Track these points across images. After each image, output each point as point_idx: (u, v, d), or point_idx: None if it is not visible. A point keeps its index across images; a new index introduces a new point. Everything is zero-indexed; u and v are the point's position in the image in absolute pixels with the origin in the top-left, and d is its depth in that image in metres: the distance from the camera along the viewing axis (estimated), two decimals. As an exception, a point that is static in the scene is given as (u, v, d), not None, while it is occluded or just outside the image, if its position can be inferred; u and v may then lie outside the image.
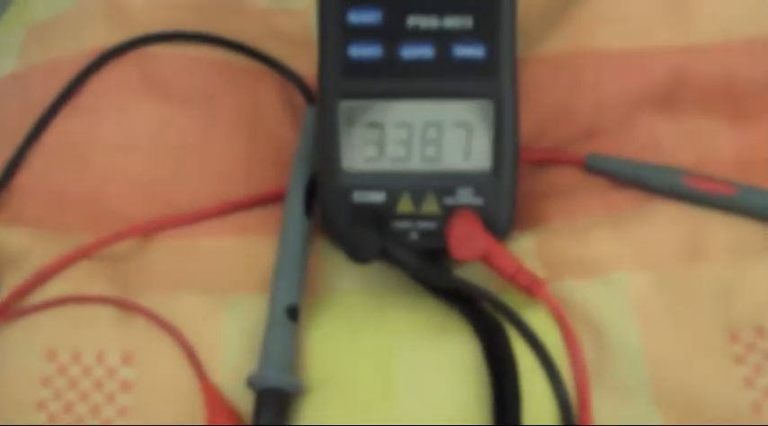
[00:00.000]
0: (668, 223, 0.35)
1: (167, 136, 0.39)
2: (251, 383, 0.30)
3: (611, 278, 0.34)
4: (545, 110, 0.39)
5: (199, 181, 0.39)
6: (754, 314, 0.32)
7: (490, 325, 0.33)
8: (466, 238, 0.33)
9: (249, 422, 0.31)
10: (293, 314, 0.32)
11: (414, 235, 0.34)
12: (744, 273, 0.33)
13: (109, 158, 0.38)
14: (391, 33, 0.32)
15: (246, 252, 0.36)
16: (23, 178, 0.38)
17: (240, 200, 0.37)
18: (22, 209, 0.38)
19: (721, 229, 0.34)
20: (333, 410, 0.31)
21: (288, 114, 0.40)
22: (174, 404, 0.32)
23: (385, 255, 0.32)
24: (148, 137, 0.39)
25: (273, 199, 0.38)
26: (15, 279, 0.36)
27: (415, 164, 0.34)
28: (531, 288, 0.33)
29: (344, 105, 0.33)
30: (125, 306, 0.34)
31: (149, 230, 0.37)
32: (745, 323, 0.32)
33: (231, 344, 0.33)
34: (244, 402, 0.32)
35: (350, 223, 0.34)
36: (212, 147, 0.39)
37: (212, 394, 0.31)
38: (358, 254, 0.33)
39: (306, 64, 0.41)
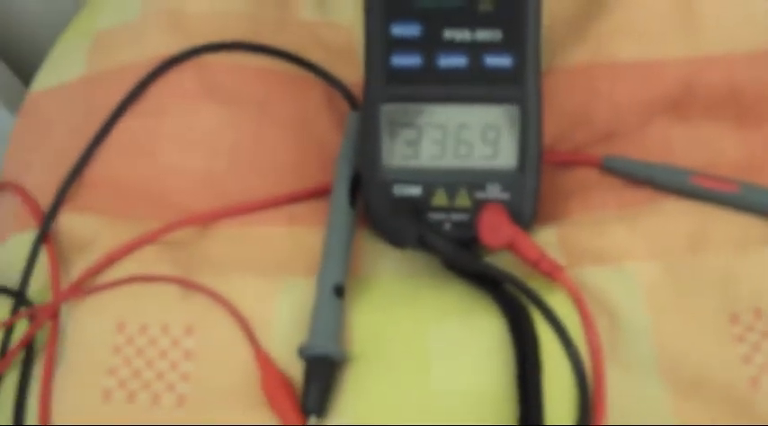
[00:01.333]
0: (677, 218, 0.39)
1: (223, 136, 0.44)
2: (301, 351, 0.35)
3: (624, 266, 0.38)
4: (566, 116, 0.43)
5: (251, 176, 0.43)
6: (753, 298, 0.36)
7: (515, 306, 0.37)
8: (494, 228, 0.37)
9: (300, 389, 0.36)
10: (340, 291, 0.36)
11: (447, 226, 0.39)
12: (744, 262, 0.37)
13: (170, 155, 0.43)
14: (429, 45, 0.37)
15: (295, 240, 0.40)
16: (93, 171, 0.43)
17: (290, 194, 0.42)
18: (92, 200, 0.42)
19: (725, 223, 0.38)
20: (374, 378, 0.35)
21: (332, 118, 0.45)
22: (232, 371, 0.36)
23: (422, 242, 0.37)
24: (206, 136, 0.44)
25: (320, 193, 0.43)
26: (86, 262, 0.40)
27: (449, 161, 0.38)
28: (552, 273, 0.37)
29: (386, 108, 0.38)
30: (186, 285, 0.38)
31: (208, 219, 0.41)
32: (745, 307, 0.36)
33: (282, 320, 0.37)
34: (295, 372, 0.36)
35: (390, 213, 0.38)
36: (264, 147, 0.44)
37: (265, 362, 0.35)
38: (398, 240, 0.37)
39: (349, 72, 0.46)
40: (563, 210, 0.41)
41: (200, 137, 0.44)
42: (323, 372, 0.34)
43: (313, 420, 0.33)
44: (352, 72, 0.46)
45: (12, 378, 0.38)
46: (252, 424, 0.35)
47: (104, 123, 0.44)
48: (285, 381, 0.35)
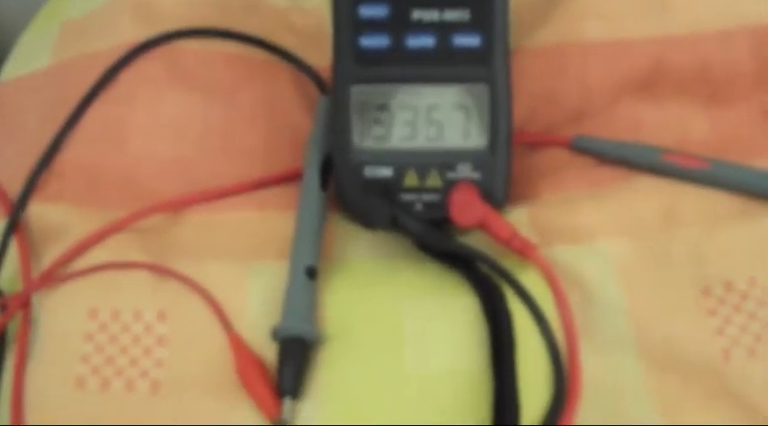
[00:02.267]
0: (648, 195, 0.40)
1: (193, 122, 0.44)
2: (275, 332, 0.35)
3: (596, 243, 0.38)
4: (535, 97, 0.43)
5: (221, 162, 0.43)
6: (723, 272, 0.37)
7: (488, 285, 0.37)
8: (465, 207, 0.38)
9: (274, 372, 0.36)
10: (312, 273, 0.37)
11: (419, 206, 0.39)
12: (715, 237, 0.38)
13: (140, 142, 0.43)
14: (397, 25, 0.37)
15: (267, 224, 0.41)
16: (63, 160, 0.43)
17: (260, 179, 0.42)
18: (62, 188, 0.42)
19: (695, 199, 0.39)
20: (348, 358, 0.35)
21: (302, 102, 0.45)
22: (206, 356, 0.36)
23: (394, 223, 0.37)
24: (176, 123, 0.44)
25: (290, 178, 0.43)
26: (57, 251, 0.40)
27: (420, 142, 0.39)
28: (524, 251, 0.37)
29: (356, 89, 0.38)
30: (158, 271, 0.39)
31: (178, 206, 0.41)
32: (716, 280, 0.37)
33: (255, 304, 0.38)
34: (269, 355, 0.36)
35: (362, 195, 0.38)
36: (233, 133, 0.44)
37: (239, 345, 0.36)
38: (370, 222, 0.37)
39: (318, 57, 0.46)
40: (534, 190, 0.41)
41: (169, 124, 0.44)
42: (297, 353, 0.34)
43: (288, 402, 0.33)
44: (323, 56, 0.46)
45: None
46: (227, 408, 0.35)
47: (73, 111, 0.44)
48: (259, 364, 0.35)
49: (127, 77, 0.45)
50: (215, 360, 0.36)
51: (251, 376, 0.34)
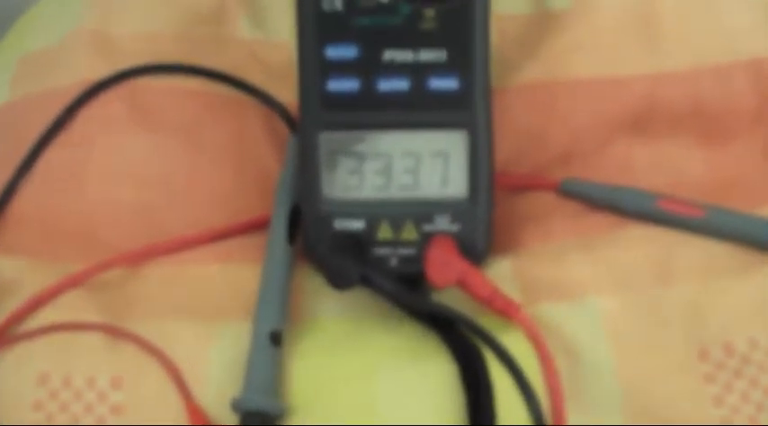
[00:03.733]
0: (641, 246, 0.37)
1: (156, 165, 0.42)
2: (235, 406, 0.33)
3: (585, 301, 0.36)
4: (521, 137, 0.41)
5: (187, 208, 0.41)
6: (722, 332, 0.35)
7: (467, 348, 0.35)
8: (443, 264, 0.35)
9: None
10: (276, 339, 0.34)
11: (393, 261, 0.37)
12: (713, 293, 0.35)
13: (100, 187, 0.41)
14: (368, 67, 0.35)
15: (232, 279, 0.38)
16: (16, 208, 0.41)
17: (225, 228, 0.40)
18: (16, 239, 0.40)
19: (692, 251, 0.37)
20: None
21: (272, 142, 0.43)
22: (162, 427, 0.34)
23: (365, 281, 0.35)
24: (137, 166, 0.41)
25: (258, 226, 0.40)
26: (9, 307, 0.38)
27: (394, 192, 0.36)
28: (507, 310, 0.35)
29: (324, 137, 0.36)
30: (114, 333, 0.36)
31: (136, 259, 0.39)
32: (715, 342, 0.35)
33: (216, 369, 0.35)
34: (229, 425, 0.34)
35: (331, 250, 0.36)
36: (199, 175, 0.42)
37: (197, 416, 0.33)
38: (338, 281, 0.35)
39: (289, 93, 0.44)
40: (518, 239, 0.39)
41: (130, 168, 0.41)
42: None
43: None
44: (293, 93, 0.44)
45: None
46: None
47: (27, 155, 0.42)
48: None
49: (85, 117, 0.42)
50: (173, 431, 0.34)
51: (208, 455, 0.32)
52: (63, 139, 0.42)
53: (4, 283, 0.39)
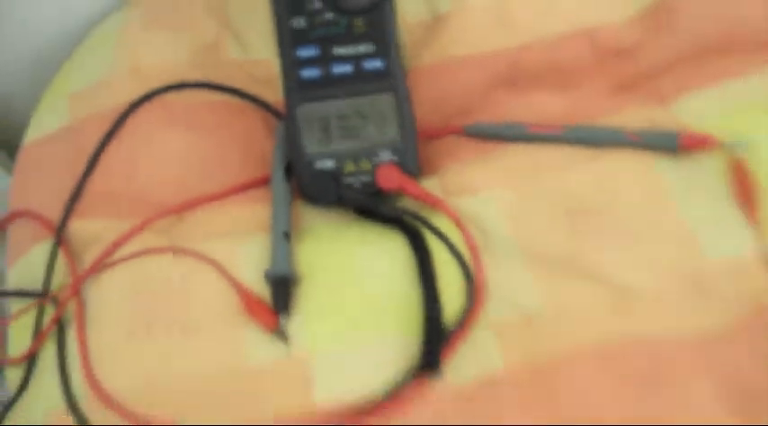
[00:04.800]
0: (520, 156, 0.57)
1: (188, 153, 0.61)
2: (267, 275, 0.51)
3: (485, 194, 0.56)
4: (430, 102, 0.61)
5: (213, 179, 0.60)
6: (580, 200, 0.54)
7: (413, 230, 0.54)
8: (389, 177, 0.55)
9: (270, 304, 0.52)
10: (287, 236, 0.53)
11: (357, 185, 0.56)
12: (574, 175, 0.55)
13: (149, 170, 0.60)
14: (325, 60, 0.55)
15: (251, 212, 0.57)
16: (90, 188, 0.59)
17: (242, 184, 0.59)
18: (94, 209, 0.58)
19: (556, 154, 0.57)
20: (319, 288, 0.52)
21: (266, 131, 0.63)
22: (219, 302, 0.52)
23: (340, 199, 0.54)
24: (174, 153, 0.60)
25: (262, 183, 0.60)
26: (94, 254, 0.56)
27: (352, 140, 0.56)
28: (436, 204, 0.55)
29: (301, 108, 0.56)
30: (177, 251, 0.55)
31: (181, 209, 0.58)
32: (576, 206, 0.54)
33: (249, 263, 0.54)
34: (264, 296, 0.52)
35: (315, 182, 0.55)
36: (221, 158, 0.61)
37: (242, 289, 0.52)
38: (323, 201, 0.54)
39: (273, 95, 0.64)
40: (439, 165, 0.59)
41: (168, 156, 0.60)
42: (284, 286, 0.51)
43: (282, 318, 0.50)
44: (276, 94, 0.64)
45: (49, 352, 0.53)
46: (241, 333, 0.50)
47: (96, 149, 0.60)
48: (258, 298, 0.51)
49: (132, 124, 0.61)
50: (226, 304, 0.52)
51: (254, 305, 0.50)
52: (117, 141, 0.61)
53: (89, 236, 0.57)
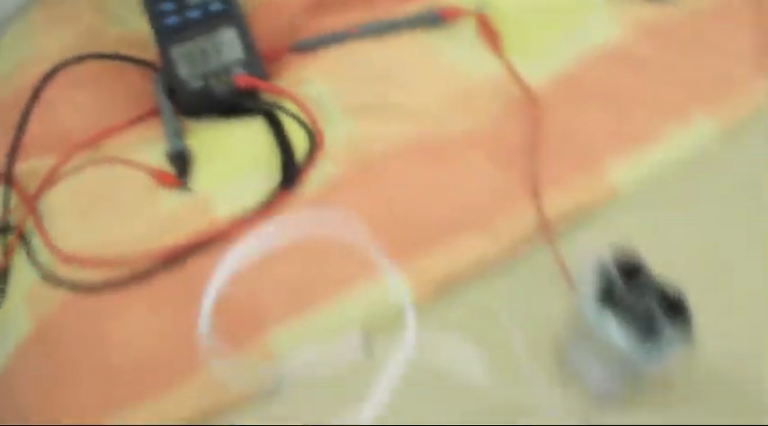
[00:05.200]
0: (332, 54, 0.81)
1: (95, 104, 0.81)
2: (167, 153, 0.72)
3: (314, 79, 0.79)
4: (266, 33, 0.85)
5: (114, 119, 0.81)
6: (380, 68, 0.78)
7: (267, 111, 0.76)
8: (244, 80, 0.77)
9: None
10: (178, 133, 0.75)
11: (225, 94, 0.78)
12: (373, 53, 0.79)
13: (68, 119, 0.80)
14: (180, 9, 0.77)
15: (147, 131, 0.78)
16: (26, 140, 0.79)
17: (136, 116, 0.80)
18: (29, 153, 0.78)
19: (356, 47, 0.81)
20: (207, 153, 0.73)
21: (147, 80, 0.84)
22: (141, 186, 0.73)
23: (211, 106, 0.76)
24: (85, 106, 0.81)
25: (153, 114, 0.81)
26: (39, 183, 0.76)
27: (215, 63, 0.78)
28: (280, 91, 0.77)
29: (172, 49, 0.78)
30: (100, 161, 0.75)
31: (96, 139, 0.78)
32: (378, 73, 0.78)
33: (155, 156, 0.74)
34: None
35: (190, 98, 0.77)
36: (118, 104, 0.82)
37: (150, 169, 0.72)
38: (199, 112, 0.76)
39: (148, 55, 0.85)
40: (279, 75, 0.82)
41: (80, 107, 0.81)
42: (181, 157, 0.72)
43: (183, 177, 0.71)
44: (150, 54, 0.85)
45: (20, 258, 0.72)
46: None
47: (24, 109, 0.80)
48: (164, 171, 0.72)
49: (49, 91, 0.81)
50: (145, 185, 0.73)
51: (162, 177, 0.71)
52: (40, 104, 0.81)
53: (32, 172, 0.77)
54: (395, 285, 0.60)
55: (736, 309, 0.57)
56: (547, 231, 0.64)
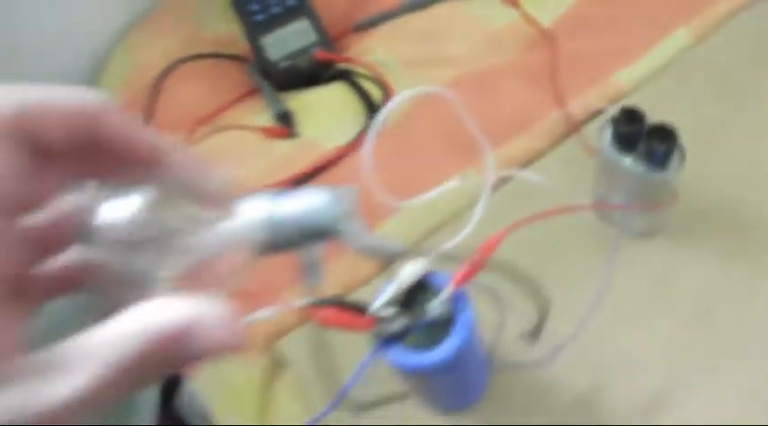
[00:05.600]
0: (387, 27, 1.03)
1: (206, 91, 1.04)
2: (274, 115, 0.95)
3: (378, 49, 1.01)
4: (335, 17, 1.07)
5: (222, 101, 1.04)
6: (429, 30, 1.01)
7: (347, 78, 0.99)
8: (322, 54, 1.00)
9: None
10: (285, 114, 0.97)
11: (307, 68, 1.01)
12: (420, 21, 1.01)
13: (186, 100, 1.03)
14: (264, 8, 1.00)
15: (255, 103, 1.01)
16: (156, 121, 1.02)
17: (240, 94, 1.03)
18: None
19: (406, 20, 1.03)
20: (310, 119, 0.96)
21: (243, 69, 1.07)
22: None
23: (299, 77, 0.99)
24: (197, 92, 1.04)
25: (253, 93, 1.04)
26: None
27: (294, 46, 1.01)
28: (354, 61, 1.00)
29: (262, 38, 1.00)
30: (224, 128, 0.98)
31: (213, 115, 1.01)
32: (427, 34, 1.00)
33: (261, 120, 0.97)
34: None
35: (282, 75, 1.00)
36: (222, 90, 1.05)
37: (264, 129, 0.95)
38: (289, 86, 0.99)
39: (237, 50, 1.08)
40: (347, 49, 1.04)
41: (195, 93, 1.04)
42: (286, 116, 0.94)
43: (292, 130, 0.93)
44: (238, 49, 1.08)
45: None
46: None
47: (149, 99, 1.03)
48: (276, 127, 0.95)
49: (167, 84, 1.05)
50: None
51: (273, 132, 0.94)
52: (163, 93, 1.04)
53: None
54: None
55: (727, 152, 0.78)
56: (574, 126, 0.85)
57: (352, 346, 0.53)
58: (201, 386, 0.82)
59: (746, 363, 0.65)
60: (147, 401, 1.20)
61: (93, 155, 0.30)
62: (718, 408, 0.63)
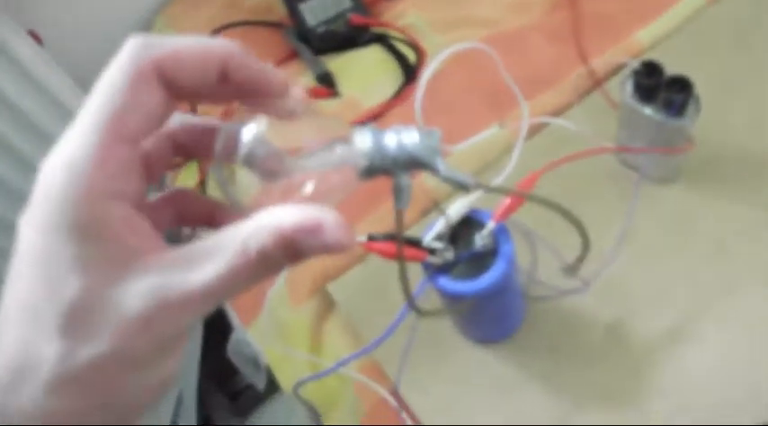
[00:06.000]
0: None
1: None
2: (316, 77, 1.02)
3: (409, 12, 1.08)
4: None
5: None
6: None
7: (383, 40, 1.05)
8: (356, 18, 1.07)
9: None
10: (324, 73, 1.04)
11: (343, 32, 1.07)
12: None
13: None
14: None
15: (287, 69, 1.08)
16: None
17: (278, 61, 1.10)
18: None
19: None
20: (350, 79, 1.03)
21: (280, 34, 1.14)
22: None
23: (336, 41, 1.06)
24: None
25: (288, 58, 1.10)
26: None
27: (330, 12, 1.07)
28: (388, 24, 1.06)
29: (301, 6, 1.07)
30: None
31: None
32: None
33: (302, 82, 1.04)
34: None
35: (320, 38, 1.07)
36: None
37: (307, 89, 1.02)
38: (328, 49, 1.06)
39: (274, 17, 1.15)
40: (380, 15, 1.11)
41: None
42: (328, 76, 1.01)
43: (334, 90, 1.00)
44: (275, 16, 1.15)
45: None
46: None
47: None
48: (319, 88, 1.02)
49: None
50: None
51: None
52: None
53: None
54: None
55: (741, 103, 0.85)
56: (597, 81, 0.92)
57: (396, 293, 0.58)
58: (253, 331, 0.89)
59: (761, 293, 0.72)
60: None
61: (222, 92, 0.37)
62: (733, 332, 0.70)
